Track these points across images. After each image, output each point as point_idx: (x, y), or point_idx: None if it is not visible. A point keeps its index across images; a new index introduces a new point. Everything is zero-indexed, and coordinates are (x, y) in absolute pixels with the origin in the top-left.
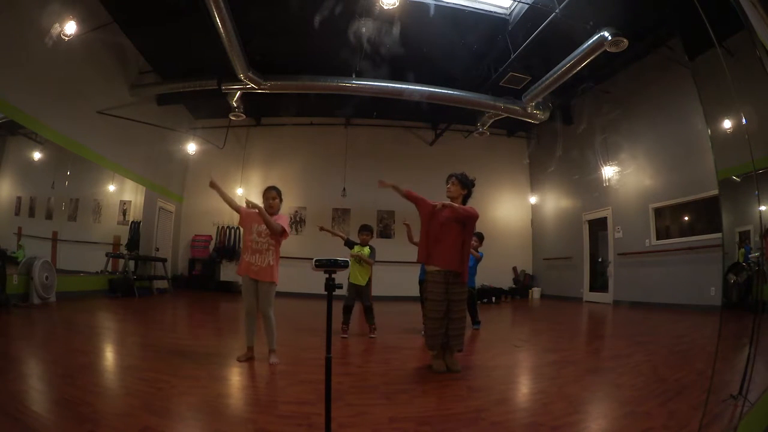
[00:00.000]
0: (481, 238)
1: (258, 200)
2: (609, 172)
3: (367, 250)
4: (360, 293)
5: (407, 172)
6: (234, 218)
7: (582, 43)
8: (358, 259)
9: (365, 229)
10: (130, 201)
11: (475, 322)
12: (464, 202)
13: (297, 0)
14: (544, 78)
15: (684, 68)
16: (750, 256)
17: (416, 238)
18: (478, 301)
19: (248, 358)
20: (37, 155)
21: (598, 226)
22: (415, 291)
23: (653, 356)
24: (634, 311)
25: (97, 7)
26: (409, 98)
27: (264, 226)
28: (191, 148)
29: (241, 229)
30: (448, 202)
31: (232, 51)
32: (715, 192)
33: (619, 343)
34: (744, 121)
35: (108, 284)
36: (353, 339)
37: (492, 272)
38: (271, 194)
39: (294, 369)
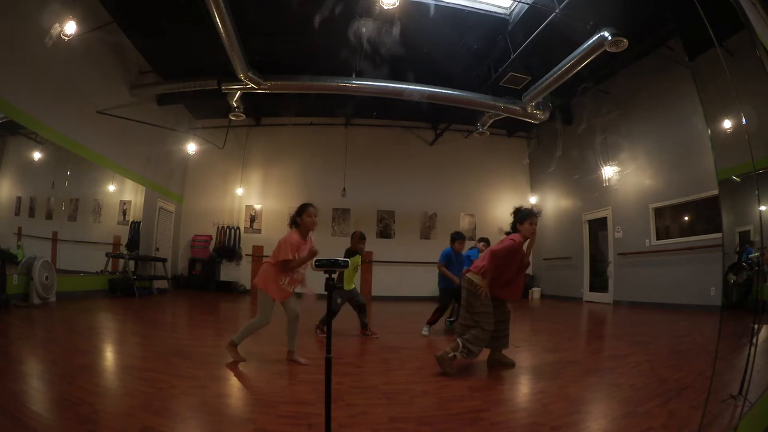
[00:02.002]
0: (487, 242)
1: (260, 199)
2: (609, 172)
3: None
4: (351, 296)
5: (407, 172)
6: (234, 218)
7: (582, 43)
8: (355, 268)
9: (364, 237)
10: (130, 201)
11: None
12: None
13: (297, 0)
14: (544, 78)
15: (684, 68)
16: (750, 256)
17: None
18: None
19: (239, 359)
20: (37, 155)
21: (598, 226)
22: (414, 291)
23: (653, 356)
24: (634, 311)
25: (97, 7)
26: (409, 98)
27: (310, 249)
28: (191, 148)
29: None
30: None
31: (232, 51)
32: (715, 192)
33: (619, 343)
34: (744, 121)
35: (108, 284)
36: (353, 339)
37: None
38: (314, 211)
39: (294, 369)
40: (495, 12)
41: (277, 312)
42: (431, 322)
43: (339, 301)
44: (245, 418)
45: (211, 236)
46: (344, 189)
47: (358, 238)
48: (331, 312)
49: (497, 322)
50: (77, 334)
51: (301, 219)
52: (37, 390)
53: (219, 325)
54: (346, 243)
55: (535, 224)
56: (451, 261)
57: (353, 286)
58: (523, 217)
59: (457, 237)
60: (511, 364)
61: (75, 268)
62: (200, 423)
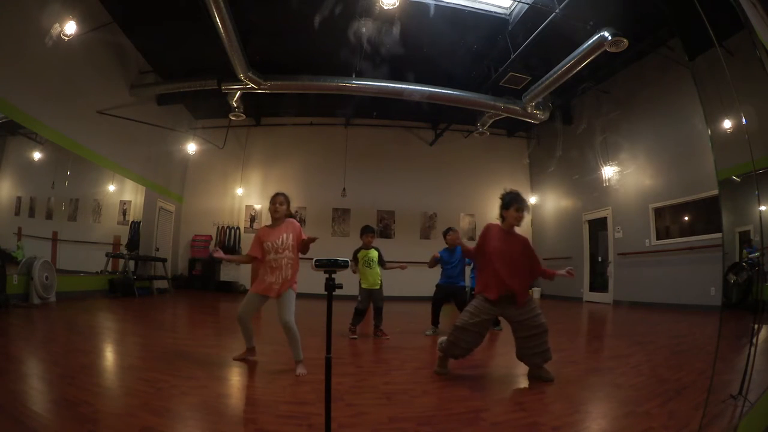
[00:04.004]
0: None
1: (260, 199)
2: (609, 172)
3: (374, 252)
4: (372, 296)
5: (407, 172)
6: (234, 218)
7: (582, 43)
8: (369, 263)
9: (368, 231)
10: (130, 201)
11: None
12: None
13: (297, 0)
14: (544, 78)
15: (684, 68)
16: (750, 256)
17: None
18: None
19: (244, 358)
20: (37, 155)
21: (598, 226)
22: (414, 291)
23: (653, 356)
24: (634, 311)
25: (97, 7)
26: (409, 98)
27: (279, 240)
28: (191, 148)
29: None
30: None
31: (232, 51)
32: (715, 192)
33: (619, 343)
34: (744, 121)
35: (108, 284)
36: (353, 339)
37: None
38: (279, 199)
39: (294, 369)
40: (495, 12)
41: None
42: (434, 322)
43: (359, 298)
44: (245, 418)
45: (211, 236)
46: (344, 189)
47: (362, 232)
48: (357, 312)
49: (527, 337)
50: (77, 334)
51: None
52: (37, 390)
53: (219, 325)
54: (346, 243)
55: (522, 212)
56: (443, 259)
57: (371, 285)
58: (509, 203)
59: (447, 231)
60: (548, 379)
61: (75, 268)
62: (200, 423)
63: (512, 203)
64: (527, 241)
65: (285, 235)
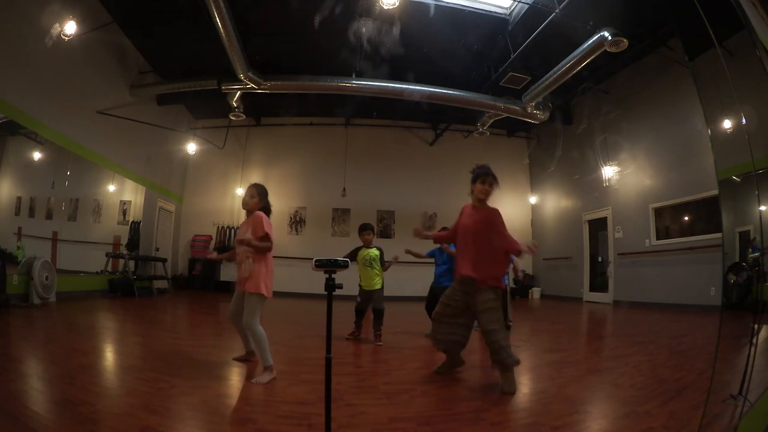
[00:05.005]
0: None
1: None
2: (609, 172)
3: (375, 252)
4: (372, 297)
5: (407, 172)
6: (234, 218)
7: (582, 43)
8: (370, 263)
9: (367, 228)
10: (130, 201)
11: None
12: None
13: (297, 0)
14: (544, 78)
15: (684, 68)
16: (750, 255)
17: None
18: None
19: (245, 359)
20: (37, 155)
21: (598, 226)
22: (414, 291)
23: (653, 356)
24: (634, 311)
25: (97, 7)
26: (409, 98)
27: (240, 233)
28: (191, 148)
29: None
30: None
31: (232, 51)
32: (715, 192)
33: (619, 343)
34: (744, 121)
35: (108, 284)
36: (354, 340)
37: None
38: (249, 191)
39: (294, 369)
40: (495, 12)
41: (277, 312)
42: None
43: (359, 299)
44: (245, 418)
45: (211, 236)
46: (344, 189)
47: (360, 230)
48: (356, 311)
49: (461, 325)
50: (77, 334)
51: None
52: (37, 390)
53: (219, 325)
54: (346, 243)
55: (488, 185)
56: (434, 255)
57: (370, 286)
58: (475, 177)
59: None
60: (505, 390)
61: (75, 268)
62: (200, 423)
63: (478, 177)
64: (495, 212)
65: (245, 229)
